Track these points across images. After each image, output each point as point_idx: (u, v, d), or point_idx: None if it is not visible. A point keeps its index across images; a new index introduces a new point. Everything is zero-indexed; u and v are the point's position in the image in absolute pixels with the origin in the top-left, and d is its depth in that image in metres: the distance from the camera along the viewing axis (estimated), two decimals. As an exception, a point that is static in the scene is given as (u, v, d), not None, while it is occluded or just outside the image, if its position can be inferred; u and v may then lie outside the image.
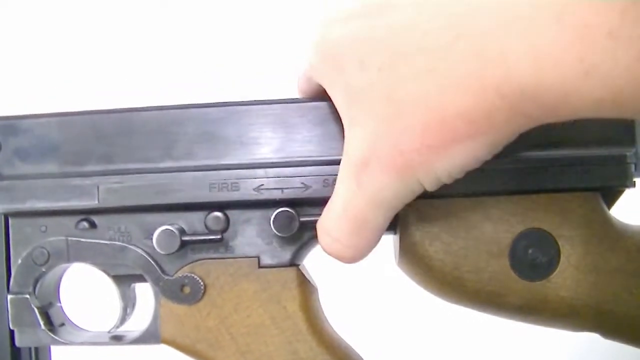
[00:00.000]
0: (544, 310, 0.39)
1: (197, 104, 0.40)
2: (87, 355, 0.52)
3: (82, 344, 0.42)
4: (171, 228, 0.39)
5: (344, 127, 0.35)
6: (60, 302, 0.43)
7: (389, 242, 0.42)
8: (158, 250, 0.39)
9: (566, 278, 0.38)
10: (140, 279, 0.42)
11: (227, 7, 0.74)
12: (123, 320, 0.42)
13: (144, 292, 0.43)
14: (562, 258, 0.38)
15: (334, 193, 0.36)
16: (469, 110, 0.30)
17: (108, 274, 0.42)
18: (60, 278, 0.43)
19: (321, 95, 0.37)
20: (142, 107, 0.40)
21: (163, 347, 0.41)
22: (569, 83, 0.28)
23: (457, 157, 0.32)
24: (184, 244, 0.39)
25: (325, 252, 0.37)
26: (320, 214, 0.38)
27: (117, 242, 0.40)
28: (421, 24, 0.31)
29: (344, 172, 0.35)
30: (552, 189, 0.38)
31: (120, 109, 0.40)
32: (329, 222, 0.36)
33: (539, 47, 0.28)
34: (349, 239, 0.36)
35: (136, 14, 0.74)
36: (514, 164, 0.38)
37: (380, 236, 0.36)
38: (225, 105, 0.39)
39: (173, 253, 0.39)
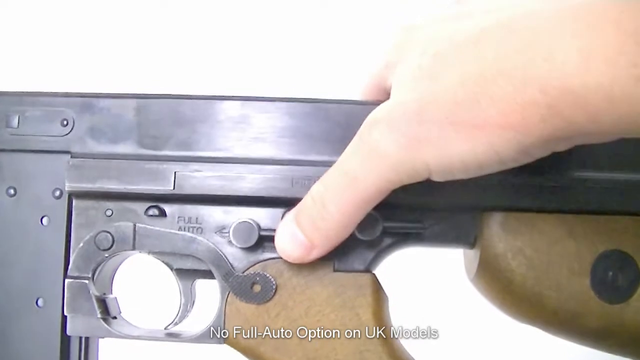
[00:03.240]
0: (620, 334, 0.38)
1: (284, 97, 0.39)
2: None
3: (137, 337, 0.40)
4: (250, 221, 0.38)
5: None
6: (112, 294, 0.41)
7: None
8: (234, 242, 0.37)
9: None
10: (204, 275, 0.40)
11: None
12: (182, 317, 0.41)
13: (204, 290, 0.42)
14: None
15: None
16: (505, 99, 0.29)
17: (171, 268, 0.40)
18: (117, 268, 0.41)
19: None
20: (227, 96, 0.39)
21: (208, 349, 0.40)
22: (618, 87, 0.27)
23: (478, 146, 0.31)
24: (261, 239, 0.38)
25: (304, 207, 0.36)
26: (406, 220, 0.37)
27: (187, 233, 0.39)
28: (481, 22, 0.31)
29: (358, 131, 0.34)
30: (636, 212, 0.38)
31: (204, 95, 0.39)
32: (329, 171, 0.35)
33: (591, 48, 0.27)
34: (337, 194, 0.34)
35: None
36: (599, 184, 0.38)
37: (363, 208, 0.35)
38: (313, 102, 0.39)
39: (248, 248, 0.38)
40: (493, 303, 0.40)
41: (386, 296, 0.40)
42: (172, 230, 0.39)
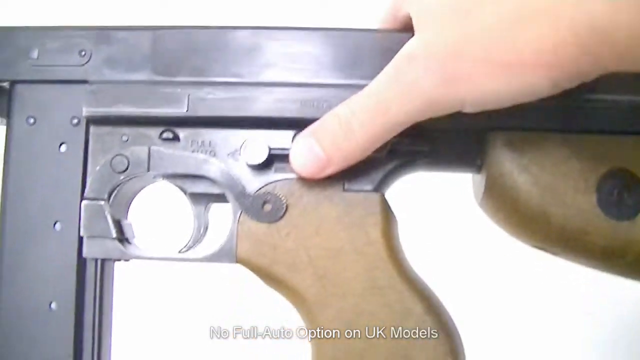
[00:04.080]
0: (627, 253, 0.38)
1: (293, 26, 0.40)
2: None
3: (151, 258, 0.41)
4: (260, 139, 0.39)
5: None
6: (128, 220, 0.42)
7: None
8: (245, 159, 0.39)
9: None
10: (217, 198, 0.41)
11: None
12: (196, 241, 0.41)
13: (218, 215, 0.42)
14: None
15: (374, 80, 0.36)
16: (540, 39, 0.31)
17: (184, 192, 0.41)
18: (134, 196, 0.42)
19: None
20: (236, 26, 0.40)
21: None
22: None
23: (513, 82, 0.32)
24: (271, 159, 0.39)
25: (326, 125, 0.37)
26: (413, 141, 0.38)
27: (200, 155, 0.40)
28: None
29: (392, 61, 0.35)
30: None
31: (215, 26, 0.40)
32: (357, 97, 0.36)
33: None
34: (366, 118, 0.36)
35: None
36: (603, 105, 0.38)
37: (387, 135, 0.36)
38: (321, 29, 0.40)
39: (258, 167, 0.39)
40: (501, 224, 0.40)
41: (395, 218, 0.40)
42: (186, 152, 0.40)
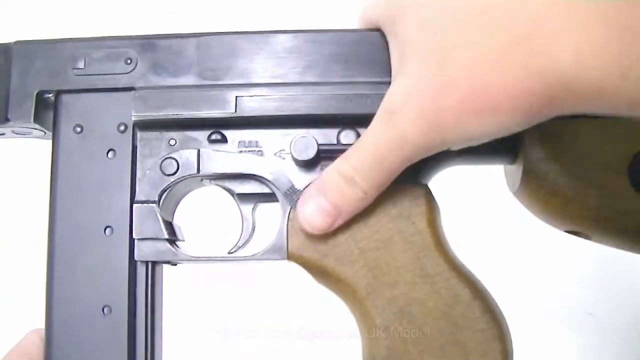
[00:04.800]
0: None
1: (331, 29, 0.42)
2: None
3: (202, 259, 0.41)
4: (308, 135, 0.40)
5: (392, 75, 0.39)
6: (174, 221, 0.43)
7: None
8: (294, 155, 0.40)
9: None
10: (264, 198, 0.42)
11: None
12: (245, 241, 0.42)
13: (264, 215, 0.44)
14: None
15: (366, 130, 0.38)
16: (513, 88, 0.34)
17: (232, 194, 0.42)
18: (181, 198, 0.43)
19: None
20: (279, 30, 0.42)
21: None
22: (607, 82, 0.31)
23: (490, 125, 0.35)
24: (320, 153, 0.40)
25: (330, 181, 0.39)
26: None
27: (249, 154, 0.41)
28: (483, 4, 0.34)
29: (377, 114, 0.38)
30: None
31: (258, 31, 0.42)
32: (354, 151, 0.38)
33: (583, 43, 0.31)
34: (366, 171, 0.38)
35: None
36: None
37: (389, 180, 0.39)
38: (357, 31, 0.42)
39: (306, 163, 0.40)
40: (537, 211, 0.42)
41: (438, 208, 0.42)
42: (234, 153, 0.41)
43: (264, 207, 0.44)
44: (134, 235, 0.40)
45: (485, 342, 0.39)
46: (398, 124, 0.36)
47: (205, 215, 0.51)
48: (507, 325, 0.40)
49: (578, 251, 0.62)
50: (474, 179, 0.59)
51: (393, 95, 0.37)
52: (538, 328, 0.64)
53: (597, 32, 0.31)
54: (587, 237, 0.42)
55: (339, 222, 0.39)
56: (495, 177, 0.47)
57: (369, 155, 0.38)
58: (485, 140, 0.37)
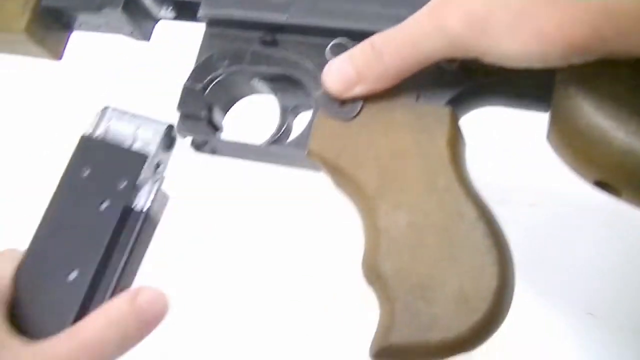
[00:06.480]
0: None
1: None
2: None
3: (235, 144, 0.45)
4: (343, 41, 0.43)
5: None
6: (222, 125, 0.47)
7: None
8: (328, 59, 0.42)
9: None
10: (304, 103, 0.45)
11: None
12: (274, 137, 0.45)
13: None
14: None
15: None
16: (561, 16, 0.34)
17: (275, 93, 0.46)
18: (231, 101, 0.48)
19: None
20: None
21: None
22: None
23: (530, 48, 0.36)
24: None
25: (362, 49, 0.40)
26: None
27: (294, 55, 0.45)
28: None
29: (427, 4, 0.39)
30: None
31: None
32: (393, 29, 0.40)
33: None
34: (396, 48, 0.39)
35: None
36: None
37: (413, 66, 0.40)
38: None
39: None
40: (567, 155, 0.41)
41: (463, 138, 0.42)
42: (281, 55, 0.45)
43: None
44: (177, 109, 0.45)
45: (482, 264, 0.38)
46: (442, 16, 0.38)
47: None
48: (510, 254, 0.39)
49: (578, 251, 0.61)
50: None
51: None
52: (538, 327, 0.62)
53: None
54: (616, 192, 0.41)
55: (356, 90, 0.41)
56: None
57: (403, 35, 0.40)
58: (517, 64, 0.38)
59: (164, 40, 0.54)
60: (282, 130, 0.45)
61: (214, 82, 0.46)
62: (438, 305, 0.38)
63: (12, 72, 0.81)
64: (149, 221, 0.43)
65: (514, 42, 0.36)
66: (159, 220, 0.44)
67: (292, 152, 0.43)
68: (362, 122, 0.42)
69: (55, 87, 0.79)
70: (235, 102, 0.48)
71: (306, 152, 0.43)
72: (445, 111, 0.42)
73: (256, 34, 0.45)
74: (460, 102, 0.43)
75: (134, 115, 0.44)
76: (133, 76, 0.79)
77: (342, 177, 0.42)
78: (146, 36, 0.52)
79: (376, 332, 0.40)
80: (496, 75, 0.42)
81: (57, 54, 0.55)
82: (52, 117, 0.81)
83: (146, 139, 0.43)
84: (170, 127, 0.44)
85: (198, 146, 0.47)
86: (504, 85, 0.42)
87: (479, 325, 0.38)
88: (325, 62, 0.43)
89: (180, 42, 0.57)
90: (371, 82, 0.41)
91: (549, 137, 0.42)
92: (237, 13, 0.45)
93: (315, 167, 0.45)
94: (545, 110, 0.43)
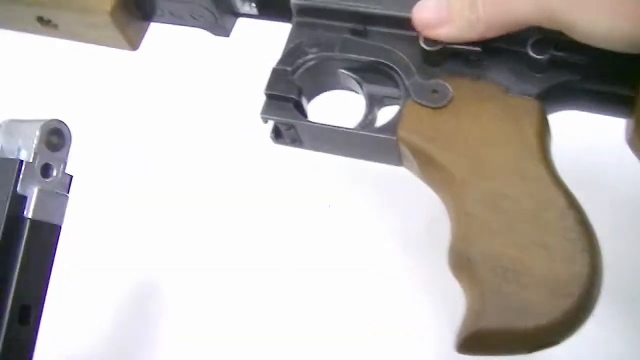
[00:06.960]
0: None
1: None
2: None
3: (323, 125, 0.46)
4: None
5: None
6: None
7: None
8: (424, 47, 0.44)
9: None
10: (391, 95, 0.46)
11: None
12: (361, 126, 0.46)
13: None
14: None
15: None
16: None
17: (361, 84, 0.47)
18: (319, 89, 0.48)
19: None
20: None
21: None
22: None
23: (620, 24, 0.36)
24: (446, 50, 0.43)
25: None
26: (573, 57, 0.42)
27: (385, 45, 0.46)
28: None
29: None
30: None
31: None
32: None
33: None
34: (486, 4, 0.40)
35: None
36: None
37: (505, 26, 0.41)
38: None
39: (435, 53, 0.44)
40: None
41: (550, 132, 0.43)
42: (372, 44, 0.46)
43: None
44: (265, 90, 0.46)
45: (575, 251, 0.39)
46: None
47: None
48: (598, 243, 0.40)
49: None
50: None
51: None
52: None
53: None
54: None
55: (442, 30, 0.42)
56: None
57: None
58: (606, 44, 0.38)
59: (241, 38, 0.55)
60: (368, 119, 0.46)
61: (302, 68, 0.47)
62: (530, 289, 0.38)
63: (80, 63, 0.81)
64: (39, 228, 0.41)
65: (604, 19, 0.37)
66: (60, 224, 0.43)
67: (382, 137, 0.44)
68: (452, 110, 0.43)
69: (130, 79, 0.80)
70: (318, 94, 0.49)
71: (396, 138, 0.44)
72: (534, 104, 0.43)
73: (347, 24, 0.47)
74: (547, 98, 0.44)
75: (17, 121, 0.43)
76: (208, 72, 0.80)
77: (431, 164, 0.43)
78: (227, 32, 0.53)
79: (464, 320, 0.40)
80: (583, 71, 0.43)
81: (136, 44, 0.56)
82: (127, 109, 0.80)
83: (27, 144, 0.41)
84: (51, 126, 0.42)
85: (278, 134, 0.48)
86: (589, 83, 0.43)
87: (572, 311, 0.38)
88: (416, 52, 0.45)
89: (257, 41, 0.58)
90: (458, 28, 0.42)
91: (631, 141, 0.43)
92: (332, 2, 0.46)
93: (398, 159, 0.46)
94: (626, 115, 0.44)
